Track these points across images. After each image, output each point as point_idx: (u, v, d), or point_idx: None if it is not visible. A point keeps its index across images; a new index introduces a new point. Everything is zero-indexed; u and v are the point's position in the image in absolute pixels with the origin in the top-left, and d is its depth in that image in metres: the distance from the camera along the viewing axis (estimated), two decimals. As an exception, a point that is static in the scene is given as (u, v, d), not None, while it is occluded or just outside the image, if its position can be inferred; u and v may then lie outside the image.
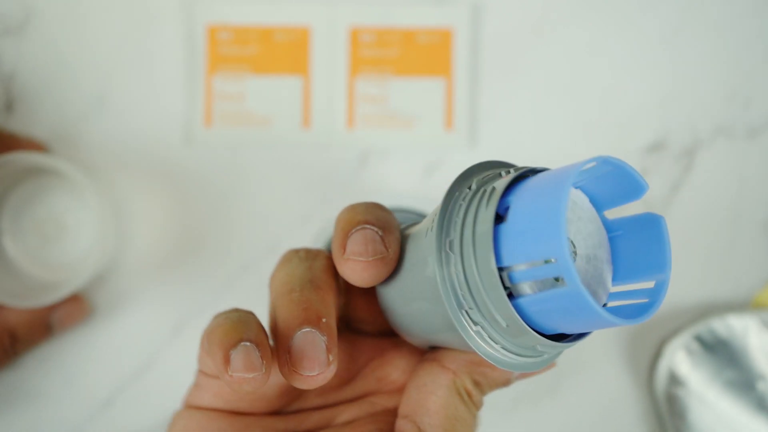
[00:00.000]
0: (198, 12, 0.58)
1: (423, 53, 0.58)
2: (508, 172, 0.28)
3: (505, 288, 0.26)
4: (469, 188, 0.28)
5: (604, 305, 0.27)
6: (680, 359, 0.55)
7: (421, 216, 0.53)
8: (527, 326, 0.26)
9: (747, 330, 0.55)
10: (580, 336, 0.28)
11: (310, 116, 0.58)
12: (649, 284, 0.27)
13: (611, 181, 0.27)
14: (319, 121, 0.58)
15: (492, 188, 0.27)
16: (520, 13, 0.58)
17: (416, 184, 0.58)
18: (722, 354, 0.55)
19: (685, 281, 0.57)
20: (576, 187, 0.27)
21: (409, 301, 0.30)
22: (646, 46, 0.58)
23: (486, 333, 0.27)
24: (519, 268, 0.25)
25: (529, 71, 0.58)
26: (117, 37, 0.59)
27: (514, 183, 0.27)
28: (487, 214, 0.26)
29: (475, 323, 0.27)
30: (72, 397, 0.57)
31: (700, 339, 0.55)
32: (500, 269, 0.26)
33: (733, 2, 0.58)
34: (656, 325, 0.57)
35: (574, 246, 0.26)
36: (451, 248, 0.27)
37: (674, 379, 0.55)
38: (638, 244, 0.28)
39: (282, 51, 0.58)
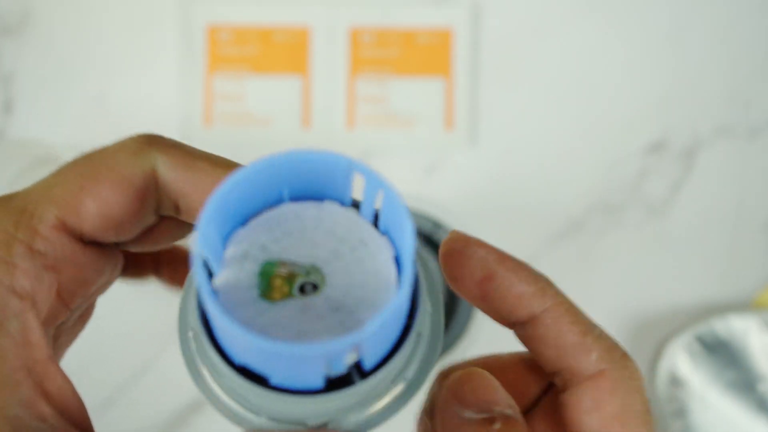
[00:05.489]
0: (198, 12, 0.58)
1: (423, 53, 0.58)
2: None
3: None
4: None
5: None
6: (681, 360, 0.55)
7: (420, 216, 0.53)
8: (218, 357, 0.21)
9: (748, 331, 0.55)
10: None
11: (310, 116, 0.58)
12: None
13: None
14: (319, 122, 0.58)
15: None
16: (520, 14, 0.58)
17: (416, 184, 0.58)
18: (723, 355, 0.55)
19: (686, 281, 0.57)
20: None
21: None
22: (646, 46, 0.58)
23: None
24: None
25: (529, 71, 0.58)
26: (116, 37, 0.58)
27: None
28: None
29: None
30: (71, 397, 0.57)
31: (701, 340, 0.55)
32: None
33: (733, 2, 0.58)
34: (656, 325, 0.57)
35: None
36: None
37: (675, 380, 0.55)
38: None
39: (282, 51, 0.58)
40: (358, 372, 0.20)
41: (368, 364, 0.20)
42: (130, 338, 0.58)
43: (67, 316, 0.24)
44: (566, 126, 0.58)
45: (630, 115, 0.58)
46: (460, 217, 0.53)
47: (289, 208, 0.21)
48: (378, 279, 0.21)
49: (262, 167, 0.20)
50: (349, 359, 0.20)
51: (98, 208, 0.22)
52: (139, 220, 0.23)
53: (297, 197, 0.22)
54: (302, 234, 0.21)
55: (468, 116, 0.58)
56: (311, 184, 0.21)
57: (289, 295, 0.21)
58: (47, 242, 0.22)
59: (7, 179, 0.56)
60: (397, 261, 0.21)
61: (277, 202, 0.22)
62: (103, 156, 0.23)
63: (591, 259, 0.57)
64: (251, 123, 0.58)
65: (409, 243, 0.19)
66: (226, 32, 0.58)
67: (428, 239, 0.53)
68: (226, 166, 0.24)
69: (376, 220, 0.22)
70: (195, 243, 0.19)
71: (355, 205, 0.22)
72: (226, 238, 0.21)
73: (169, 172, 0.23)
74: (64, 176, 0.22)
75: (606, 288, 0.58)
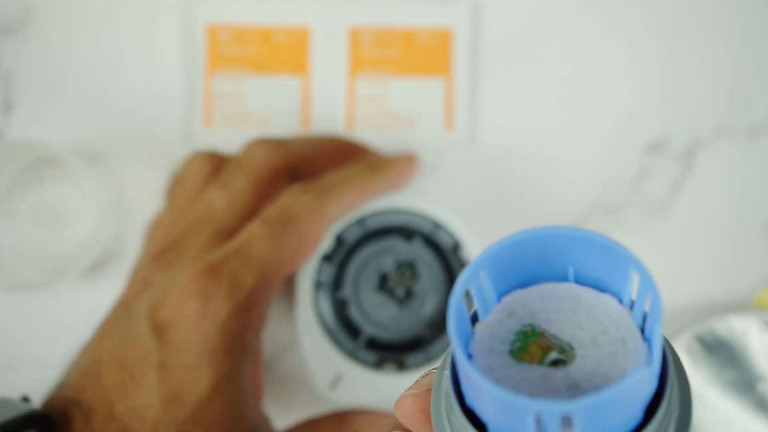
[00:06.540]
0: (198, 12, 0.58)
1: (423, 53, 0.58)
2: None
3: None
4: None
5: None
6: (681, 360, 0.55)
7: (420, 216, 0.53)
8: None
9: (748, 331, 0.55)
10: None
11: (309, 116, 0.58)
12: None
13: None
14: (319, 122, 0.58)
15: None
16: (521, 14, 0.58)
17: (416, 184, 0.58)
18: (723, 355, 0.55)
19: (686, 282, 0.57)
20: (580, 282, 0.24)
21: None
22: (646, 46, 0.58)
23: None
24: None
25: (529, 71, 0.58)
26: (117, 37, 0.58)
27: None
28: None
29: None
30: (71, 397, 0.57)
31: (701, 340, 0.55)
32: None
33: (733, 2, 0.58)
34: (657, 325, 0.57)
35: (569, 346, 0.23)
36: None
37: (675, 380, 0.55)
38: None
39: (282, 51, 0.58)
40: None
41: None
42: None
43: None
44: (566, 126, 0.58)
45: (630, 115, 0.58)
46: (460, 217, 0.53)
47: (570, 288, 0.23)
48: (621, 377, 0.22)
49: (537, 235, 0.22)
50: None
51: None
52: None
53: (582, 281, 0.24)
54: (572, 314, 0.23)
55: (468, 116, 0.58)
56: (595, 271, 0.23)
57: (538, 362, 0.22)
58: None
59: (7, 179, 0.56)
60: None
61: (562, 279, 0.24)
62: None
63: (591, 259, 0.57)
64: (251, 123, 0.58)
65: (656, 353, 0.21)
66: (226, 32, 0.58)
67: (428, 239, 0.53)
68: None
69: (644, 322, 0.23)
70: (462, 278, 0.21)
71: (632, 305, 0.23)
72: (503, 293, 0.24)
73: None
74: None
75: (606, 288, 0.57)
